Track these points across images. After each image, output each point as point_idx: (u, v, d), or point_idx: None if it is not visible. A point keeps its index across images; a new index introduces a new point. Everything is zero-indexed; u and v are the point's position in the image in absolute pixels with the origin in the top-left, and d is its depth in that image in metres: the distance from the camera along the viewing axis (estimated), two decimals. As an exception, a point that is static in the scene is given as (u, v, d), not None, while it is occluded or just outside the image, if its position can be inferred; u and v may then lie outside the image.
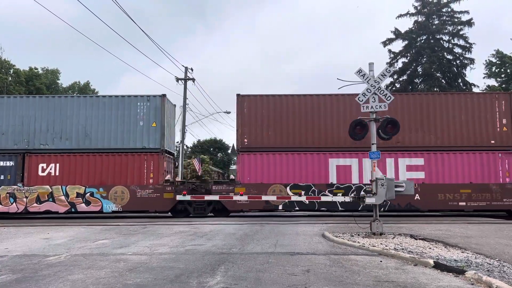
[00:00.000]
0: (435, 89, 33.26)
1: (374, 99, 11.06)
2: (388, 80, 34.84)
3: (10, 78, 42.83)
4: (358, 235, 10.71)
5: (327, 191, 17.84)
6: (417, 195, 17.55)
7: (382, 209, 17.79)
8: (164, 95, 18.71)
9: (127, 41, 64.46)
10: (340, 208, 17.93)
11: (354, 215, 17.16)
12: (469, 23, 34.65)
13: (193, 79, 32.00)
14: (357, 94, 11.29)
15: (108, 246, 9.37)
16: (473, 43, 34.62)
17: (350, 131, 11.39)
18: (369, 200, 10.65)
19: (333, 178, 18.15)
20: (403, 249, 8.53)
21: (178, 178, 19.73)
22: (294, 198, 16.63)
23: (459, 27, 34.86)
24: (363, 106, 11.18)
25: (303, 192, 17.69)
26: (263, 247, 9.10)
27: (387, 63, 35.95)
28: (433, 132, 18.40)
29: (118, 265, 7.11)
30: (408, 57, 35.87)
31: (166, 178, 18.39)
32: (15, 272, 6.64)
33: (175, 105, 21.67)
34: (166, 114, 18.75)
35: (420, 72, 35.00)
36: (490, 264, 7.03)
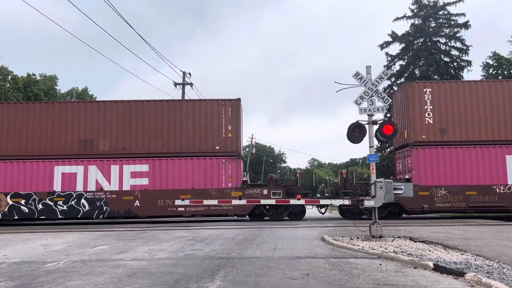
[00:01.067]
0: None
1: (372, 102, 11.06)
2: (386, 83, 34.92)
3: (8, 84, 42.76)
4: (358, 238, 10.69)
5: (47, 199, 18.01)
6: (137, 201, 17.89)
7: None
8: None
9: (127, 48, 64.57)
10: (59, 216, 18.12)
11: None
12: (466, 25, 34.88)
13: (191, 84, 32.06)
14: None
15: (107, 252, 9.34)
16: (470, 45, 34.85)
17: (348, 134, 11.31)
18: (368, 203, 10.62)
19: (57, 186, 18.24)
20: (402, 251, 8.51)
21: None
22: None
23: (455, 30, 35.08)
24: (360, 109, 11.17)
25: (21, 201, 17.95)
26: (263, 251, 9.08)
27: (384, 66, 36.07)
28: (159, 139, 18.60)
29: (117, 271, 7.08)
30: (406, 60, 36.02)
31: None
32: (14, 279, 6.61)
33: None
34: None
35: (417, 75, 35.09)
36: (489, 266, 7.02)
